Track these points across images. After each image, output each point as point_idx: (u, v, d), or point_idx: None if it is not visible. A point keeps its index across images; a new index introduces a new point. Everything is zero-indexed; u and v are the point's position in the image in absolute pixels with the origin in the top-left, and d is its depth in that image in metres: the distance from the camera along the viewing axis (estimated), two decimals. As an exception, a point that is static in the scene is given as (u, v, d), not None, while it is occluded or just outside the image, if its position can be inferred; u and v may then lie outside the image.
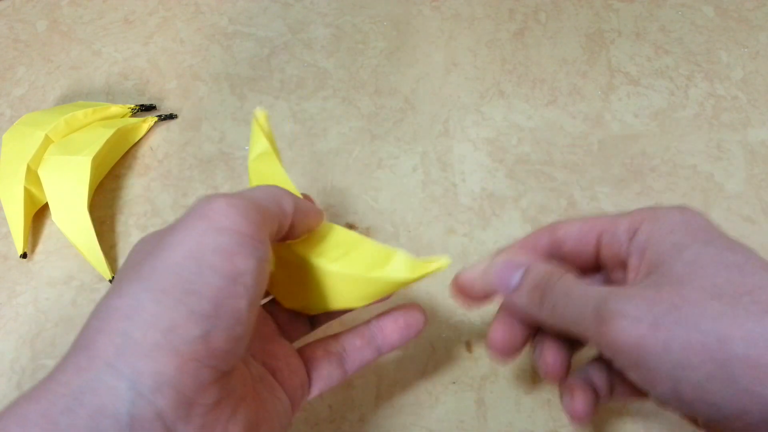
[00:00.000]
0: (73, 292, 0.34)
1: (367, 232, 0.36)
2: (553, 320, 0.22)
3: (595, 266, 0.25)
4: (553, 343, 0.25)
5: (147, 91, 0.42)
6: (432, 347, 0.32)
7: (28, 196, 0.35)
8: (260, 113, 0.27)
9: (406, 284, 0.24)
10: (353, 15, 0.45)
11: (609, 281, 0.25)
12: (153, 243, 0.20)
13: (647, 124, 0.39)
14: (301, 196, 0.25)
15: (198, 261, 0.18)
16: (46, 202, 0.36)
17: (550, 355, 0.25)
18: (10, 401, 0.17)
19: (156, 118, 0.40)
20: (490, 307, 0.33)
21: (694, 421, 0.21)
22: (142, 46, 0.44)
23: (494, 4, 0.45)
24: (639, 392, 0.25)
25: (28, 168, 0.35)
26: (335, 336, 0.27)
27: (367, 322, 0.27)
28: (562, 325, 0.22)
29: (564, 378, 0.25)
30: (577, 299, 0.21)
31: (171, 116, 0.40)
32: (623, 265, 0.23)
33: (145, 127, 0.40)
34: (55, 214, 0.35)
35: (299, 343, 0.27)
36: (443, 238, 0.35)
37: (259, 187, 0.23)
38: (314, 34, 0.44)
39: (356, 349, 0.26)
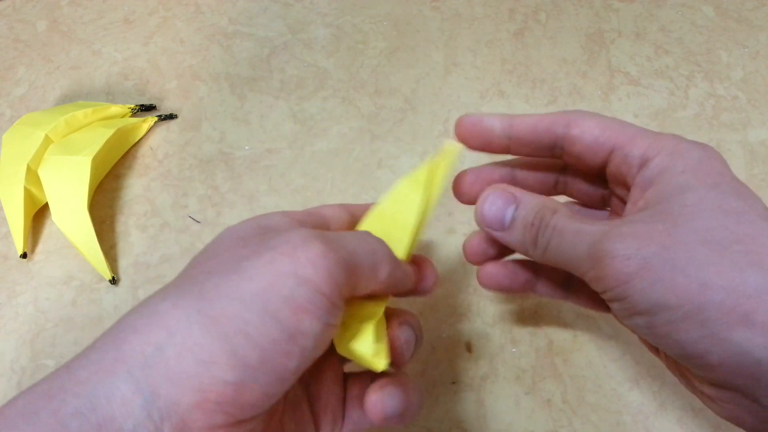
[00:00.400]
0: (73, 292, 0.34)
1: (367, 232, 0.36)
2: (545, 259, 0.22)
3: (598, 174, 0.24)
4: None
5: (147, 91, 0.42)
6: (432, 347, 0.32)
7: (28, 196, 0.35)
8: (453, 146, 0.25)
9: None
10: (353, 15, 0.45)
11: (612, 194, 0.25)
12: (234, 252, 0.18)
13: (647, 124, 0.39)
14: (407, 260, 0.23)
15: (264, 304, 0.17)
16: (46, 202, 0.36)
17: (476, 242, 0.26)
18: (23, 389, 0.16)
19: (156, 118, 0.40)
20: (491, 309, 0.33)
21: (655, 350, 0.23)
22: (142, 46, 0.44)
23: (494, 4, 0.45)
24: (579, 302, 0.27)
25: (28, 168, 0.35)
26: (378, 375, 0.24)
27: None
28: (555, 264, 0.22)
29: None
30: (570, 239, 0.21)
31: (171, 116, 0.40)
32: (626, 186, 0.23)
33: (145, 127, 0.40)
34: (55, 214, 0.35)
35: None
36: (443, 238, 0.35)
37: (364, 237, 0.21)
38: (314, 34, 0.44)
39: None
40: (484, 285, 0.27)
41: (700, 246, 0.18)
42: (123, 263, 0.35)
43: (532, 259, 0.24)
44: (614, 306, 0.20)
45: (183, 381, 0.16)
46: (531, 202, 0.23)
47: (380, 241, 0.22)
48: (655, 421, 0.29)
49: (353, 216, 0.25)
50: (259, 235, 0.20)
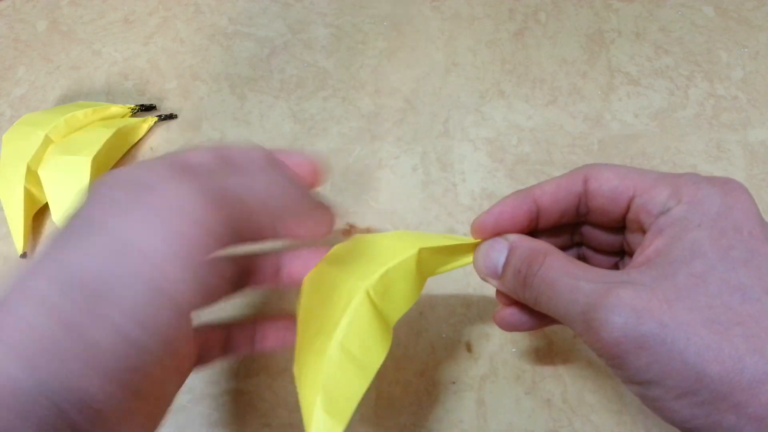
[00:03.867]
0: (73, 292, 0.34)
1: (367, 232, 0.36)
2: (539, 308, 0.22)
3: (620, 224, 0.24)
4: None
5: (147, 91, 0.42)
6: (432, 347, 0.32)
7: (29, 196, 0.35)
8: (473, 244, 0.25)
9: None
10: (353, 15, 0.45)
11: (627, 242, 0.24)
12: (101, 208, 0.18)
13: (647, 124, 0.39)
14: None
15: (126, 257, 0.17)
16: (46, 202, 0.36)
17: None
18: None
19: (156, 118, 0.40)
20: (491, 309, 0.33)
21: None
22: (142, 46, 0.44)
23: (494, 4, 0.45)
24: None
25: (28, 168, 0.35)
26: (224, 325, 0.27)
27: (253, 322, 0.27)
28: (548, 313, 0.22)
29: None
30: (562, 296, 0.20)
31: (171, 116, 0.40)
32: (644, 233, 0.22)
33: (145, 127, 0.40)
34: (56, 214, 0.35)
35: None
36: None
37: (255, 185, 0.20)
38: (314, 34, 0.44)
39: (240, 340, 0.26)
40: (503, 327, 0.26)
41: (701, 327, 0.18)
42: (123, 263, 0.35)
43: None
44: (611, 369, 0.20)
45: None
46: (521, 247, 0.23)
47: (278, 187, 0.21)
48: (655, 421, 0.29)
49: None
50: (134, 191, 0.19)
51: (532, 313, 0.25)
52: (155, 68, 0.43)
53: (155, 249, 0.17)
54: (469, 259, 0.25)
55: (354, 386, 0.21)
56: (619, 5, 0.44)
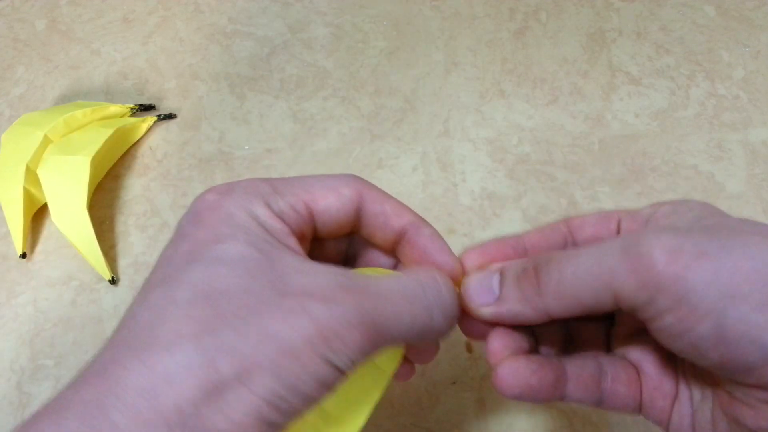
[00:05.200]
0: (73, 293, 0.34)
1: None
2: (560, 297, 0.19)
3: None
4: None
5: (146, 91, 0.42)
6: (432, 348, 0.32)
7: (28, 196, 0.35)
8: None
9: None
10: (353, 14, 0.45)
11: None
12: (253, 287, 0.18)
13: (648, 123, 0.39)
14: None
15: (295, 381, 0.17)
16: (46, 202, 0.35)
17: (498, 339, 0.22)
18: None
19: (155, 118, 0.40)
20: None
21: (716, 375, 0.19)
22: (141, 46, 0.44)
23: (494, 4, 0.45)
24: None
25: (28, 168, 0.35)
26: None
27: None
28: (574, 299, 0.19)
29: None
30: (589, 254, 0.18)
31: (170, 116, 0.40)
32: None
33: (144, 126, 0.40)
34: (55, 214, 0.34)
35: None
36: (443, 238, 0.35)
37: (418, 300, 0.19)
38: (314, 34, 0.44)
39: None
40: (504, 388, 0.21)
41: (754, 236, 0.17)
42: (122, 263, 0.35)
43: (536, 323, 0.20)
44: (667, 320, 0.17)
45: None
46: (512, 264, 0.21)
47: (441, 315, 0.20)
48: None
49: (360, 206, 0.22)
50: (271, 256, 0.19)
51: (540, 362, 0.21)
52: (154, 68, 0.43)
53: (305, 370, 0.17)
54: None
55: None
56: (620, 4, 0.44)
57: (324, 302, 0.18)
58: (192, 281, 0.18)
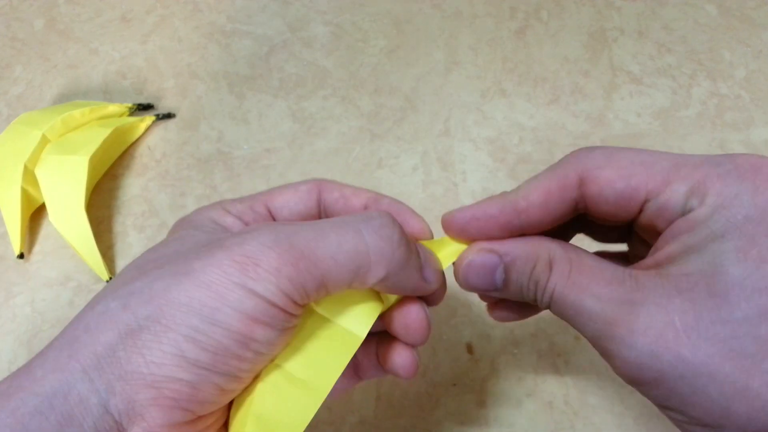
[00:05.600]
0: (70, 293, 0.34)
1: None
2: (555, 315, 0.20)
3: (625, 232, 0.21)
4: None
5: (145, 90, 0.42)
6: (432, 349, 0.31)
7: (25, 196, 0.35)
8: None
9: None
10: (353, 13, 0.44)
11: (631, 242, 0.22)
12: (182, 249, 0.18)
13: (650, 123, 0.39)
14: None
15: (212, 312, 0.16)
16: (43, 202, 0.35)
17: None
18: None
19: (154, 118, 0.40)
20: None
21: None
22: (139, 45, 0.44)
23: (495, 2, 0.44)
24: None
25: (25, 168, 0.35)
26: None
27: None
28: (566, 321, 0.20)
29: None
30: (573, 310, 0.18)
31: (169, 115, 0.40)
32: (655, 234, 0.19)
33: (143, 126, 0.39)
34: (52, 214, 0.34)
35: None
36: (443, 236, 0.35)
37: (345, 223, 0.18)
38: (314, 33, 0.44)
39: (367, 365, 0.24)
40: (499, 320, 0.24)
41: (725, 361, 0.16)
42: (121, 264, 0.35)
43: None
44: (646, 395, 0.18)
45: (136, 379, 0.16)
46: (519, 260, 0.20)
47: (375, 234, 0.18)
48: (657, 423, 0.29)
49: (323, 203, 0.23)
50: (214, 231, 0.20)
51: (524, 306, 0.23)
52: (153, 67, 0.43)
53: (249, 310, 0.17)
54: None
55: (295, 412, 0.18)
56: (622, 3, 0.44)
57: (239, 234, 0.18)
58: (134, 261, 0.19)
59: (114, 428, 0.16)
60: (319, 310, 0.20)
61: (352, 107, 0.40)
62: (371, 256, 0.18)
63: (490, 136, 0.39)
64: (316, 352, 0.19)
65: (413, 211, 0.23)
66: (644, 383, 0.17)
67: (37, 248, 0.36)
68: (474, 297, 0.33)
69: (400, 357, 0.22)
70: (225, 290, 0.17)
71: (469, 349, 0.31)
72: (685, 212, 0.18)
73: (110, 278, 0.34)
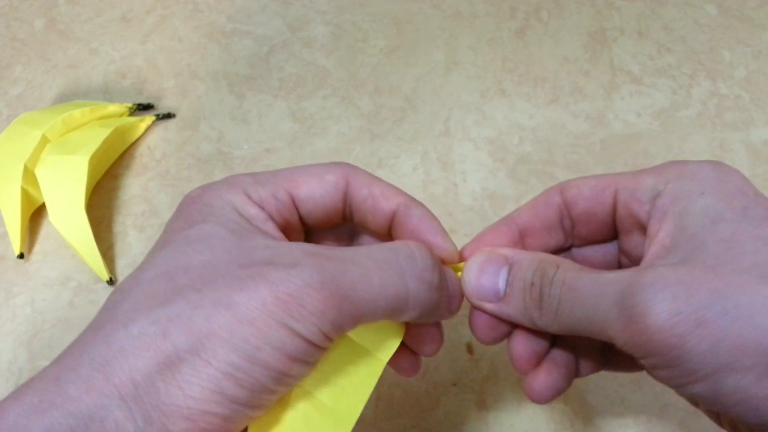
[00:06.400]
0: (70, 293, 0.34)
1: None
2: (558, 325, 0.19)
3: (610, 231, 0.21)
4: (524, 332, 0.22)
5: (145, 90, 0.42)
6: (432, 349, 0.31)
7: (25, 196, 0.35)
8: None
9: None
10: (353, 13, 0.44)
11: (623, 251, 0.22)
12: (215, 261, 0.17)
13: (650, 123, 0.39)
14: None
15: (254, 351, 0.16)
16: (43, 202, 0.35)
17: (521, 345, 0.21)
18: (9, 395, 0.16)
19: (154, 118, 0.40)
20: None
21: (717, 416, 0.19)
22: (139, 45, 0.44)
23: (495, 2, 0.44)
24: (625, 366, 0.23)
25: (25, 168, 0.35)
26: None
27: None
28: (571, 328, 0.19)
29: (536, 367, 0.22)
30: (587, 292, 0.18)
31: (169, 115, 0.40)
32: (641, 228, 0.19)
33: (143, 126, 0.39)
34: (52, 214, 0.34)
35: None
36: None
37: (389, 264, 0.18)
38: (313, 33, 0.44)
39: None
40: (538, 400, 0.22)
41: (759, 284, 0.15)
42: (121, 264, 0.35)
43: (542, 330, 0.20)
44: (661, 374, 0.17)
45: (173, 411, 0.16)
46: (527, 259, 0.20)
47: (417, 280, 0.18)
48: (657, 423, 0.29)
49: (345, 193, 0.22)
50: (241, 229, 0.19)
51: (564, 362, 0.22)
52: (153, 67, 0.43)
53: (289, 349, 0.17)
54: None
55: None
56: (622, 3, 0.44)
57: (284, 267, 0.17)
58: (157, 262, 0.18)
59: None
60: (350, 333, 0.20)
61: (352, 107, 0.40)
62: (410, 302, 0.18)
63: (490, 136, 0.39)
64: (343, 378, 0.19)
65: (444, 232, 0.22)
66: (684, 336, 0.15)
67: (37, 248, 0.36)
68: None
69: (407, 362, 0.23)
70: (267, 329, 0.16)
71: (469, 349, 0.31)
72: (654, 195, 0.19)
73: (110, 278, 0.34)
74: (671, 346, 0.16)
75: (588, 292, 0.18)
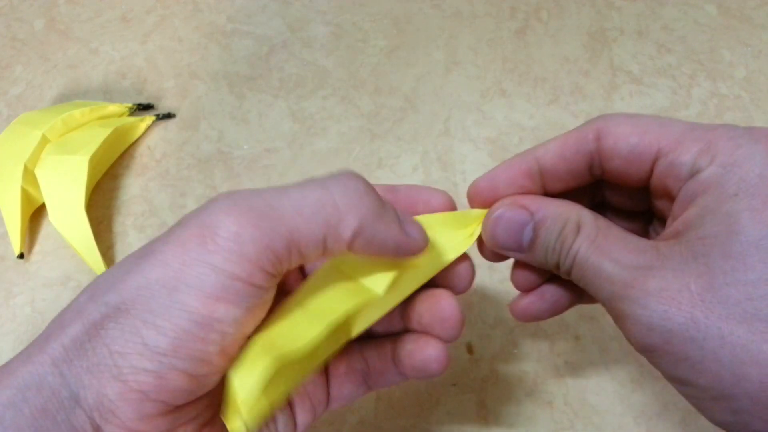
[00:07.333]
0: (70, 293, 0.34)
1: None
2: (573, 280, 0.20)
3: (643, 185, 0.20)
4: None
5: (145, 90, 0.41)
6: (432, 349, 0.31)
7: (25, 196, 0.35)
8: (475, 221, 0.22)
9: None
10: (353, 13, 0.44)
11: (653, 206, 0.21)
12: (152, 244, 0.18)
13: (649, 123, 0.39)
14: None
15: (170, 292, 0.16)
16: (43, 202, 0.35)
17: (521, 275, 0.22)
18: None
19: (154, 118, 0.40)
20: (492, 310, 0.32)
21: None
22: (139, 45, 0.44)
23: (495, 2, 0.44)
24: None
25: (25, 168, 0.35)
26: (359, 347, 0.23)
27: (394, 338, 0.22)
28: (583, 287, 0.19)
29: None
30: (591, 276, 0.18)
31: (169, 115, 0.40)
32: (672, 201, 0.19)
33: (143, 126, 0.39)
34: (52, 214, 0.34)
35: None
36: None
37: (309, 186, 0.17)
38: (314, 33, 0.44)
39: (380, 370, 0.22)
40: (522, 319, 0.23)
41: (738, 324, 0.15)
42: (121, 264, 0.35)
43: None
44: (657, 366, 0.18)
45: (102, 371, 0.16)
46: (549, 219, 0.19)
47: (340, 185, 0.17)
48: (658, 423, 0.29)
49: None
50: (172, 228, 0.19)
51: (553, 299, 0.22)
52: (153, 67, 0.43)
53: (208, 286, 0.16)
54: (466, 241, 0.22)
55: (298, 331, 0.17)
56: (622, 3, 0.44)
57: (197, 209, 0.18)
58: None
59: (88, 423, 0.16)
60: (342, 267, 0.20)
61: (352, 107, 0.40)
62: (339, 206, 0.17)
63: (490, 136, 0.39)
64: (333, 294, 0.19)
65: (432, 188, 0.23)
66: (654, 348, 0.17)
67: (37, 248, 0.36)
68: (475, 297, 0.33)
69: (434, 349, 0.21)
70: (183, 267, 0.16)
71: (469, 349, 0.31)
72: (693, 173, 0.17)
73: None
74: (644, 351, 0.17)
75: (591, 279, 0.19)
